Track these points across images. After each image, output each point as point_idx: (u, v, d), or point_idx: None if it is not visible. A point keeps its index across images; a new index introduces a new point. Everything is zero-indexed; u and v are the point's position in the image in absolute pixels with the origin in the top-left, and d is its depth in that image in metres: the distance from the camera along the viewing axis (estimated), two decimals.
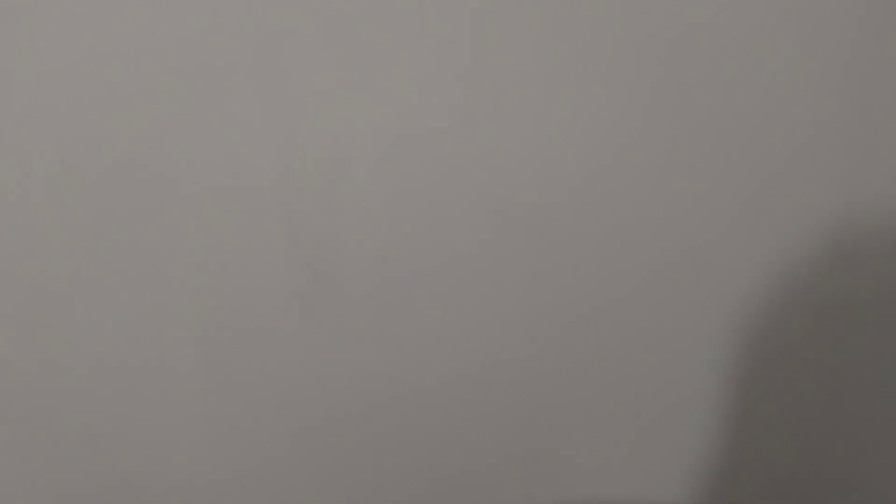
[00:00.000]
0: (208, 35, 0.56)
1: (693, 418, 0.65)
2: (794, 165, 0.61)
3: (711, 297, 0.63)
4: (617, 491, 0.67)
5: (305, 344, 0.61)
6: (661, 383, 0.64)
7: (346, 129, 0.58)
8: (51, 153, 0.56)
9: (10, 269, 0.57)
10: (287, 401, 0.62)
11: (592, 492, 0.66)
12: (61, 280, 0.58)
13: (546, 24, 0.58)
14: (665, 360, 0.64)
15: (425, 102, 0.58)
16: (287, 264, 0.59)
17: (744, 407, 0.66)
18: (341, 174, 0.58)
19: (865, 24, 0.59)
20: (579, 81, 0.59)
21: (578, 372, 0.63)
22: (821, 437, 0.67)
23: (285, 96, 0.57)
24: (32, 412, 0.60)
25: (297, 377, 0.62)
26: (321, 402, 0.62)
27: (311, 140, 0.58)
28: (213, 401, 0.61)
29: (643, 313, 0.63)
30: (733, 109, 0.60)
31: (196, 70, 0.56)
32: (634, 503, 0.67)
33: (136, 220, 0.58)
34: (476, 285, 0.61)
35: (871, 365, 0.66)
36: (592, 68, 0.58)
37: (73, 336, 0.59)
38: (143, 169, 0.57)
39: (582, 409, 0.64)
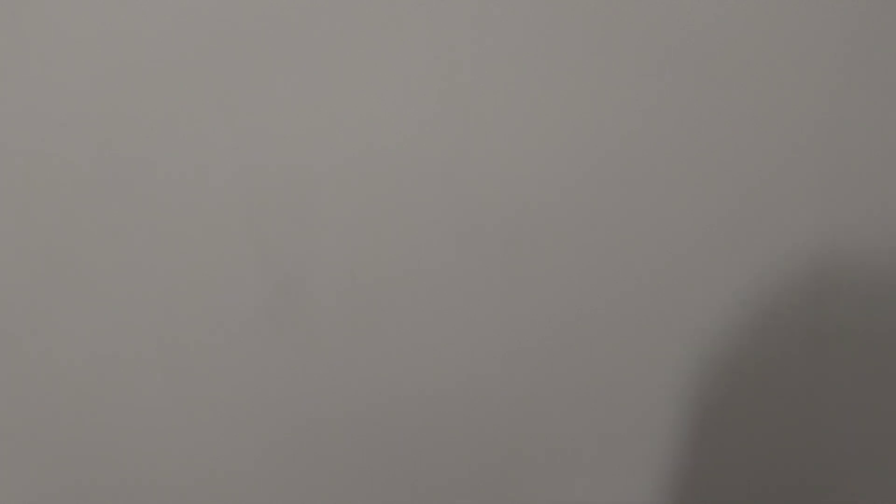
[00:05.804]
0: (168, 44, 0.55)
1: (671, 428, 0.66)
2: (778, 182, 0.61)
3: (690, 310, 0.63)
4: (593, 498, 0.68)
5: (274, 360, 0.61)
6: (639, 393, 0.65)
7: (314, 139, 0.58)
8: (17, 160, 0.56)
9: None
10: (256, 417, 0.62)
11: (568, 500, 0.67)
12: (21, 293, 0.58)
13: (522, 28, 0.58)
14: (643, 370, 0.65)
15: (396, 111, 0.58)
16: (255, 279, 0.59)
17: (719, 417, 0.66)
18: (310, 186, 0.58)
19: (854, 48, 0.60)
20: (554, 91, 0.59)
21: (554, 385, 0.64)
22: (797, 449, 0.67)
23: (252, 107, 0.57)
24: None
25: (266, 393, 0.62)
26: (290, 419, 0.62)
27: (279, 152, 0.58)
28: (180, 419, 0.61)
29: (619, 325, 0.63)
30: (715, 123, 0.60)
31: (157, 80, 0.56)
32: None
33: (98, 235, 0.58)
34: (449, 299, 0.61)
35: (852, 369, 0.66)
36: (568, 78, 0.59)
37: (33, 349, 0.59)
38: (105, 183, 0.57)
39: (556, 422, 0.65)
